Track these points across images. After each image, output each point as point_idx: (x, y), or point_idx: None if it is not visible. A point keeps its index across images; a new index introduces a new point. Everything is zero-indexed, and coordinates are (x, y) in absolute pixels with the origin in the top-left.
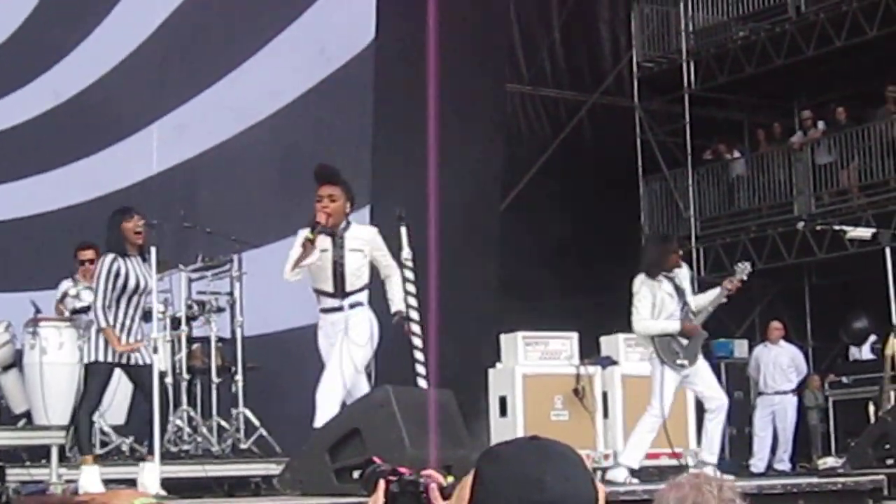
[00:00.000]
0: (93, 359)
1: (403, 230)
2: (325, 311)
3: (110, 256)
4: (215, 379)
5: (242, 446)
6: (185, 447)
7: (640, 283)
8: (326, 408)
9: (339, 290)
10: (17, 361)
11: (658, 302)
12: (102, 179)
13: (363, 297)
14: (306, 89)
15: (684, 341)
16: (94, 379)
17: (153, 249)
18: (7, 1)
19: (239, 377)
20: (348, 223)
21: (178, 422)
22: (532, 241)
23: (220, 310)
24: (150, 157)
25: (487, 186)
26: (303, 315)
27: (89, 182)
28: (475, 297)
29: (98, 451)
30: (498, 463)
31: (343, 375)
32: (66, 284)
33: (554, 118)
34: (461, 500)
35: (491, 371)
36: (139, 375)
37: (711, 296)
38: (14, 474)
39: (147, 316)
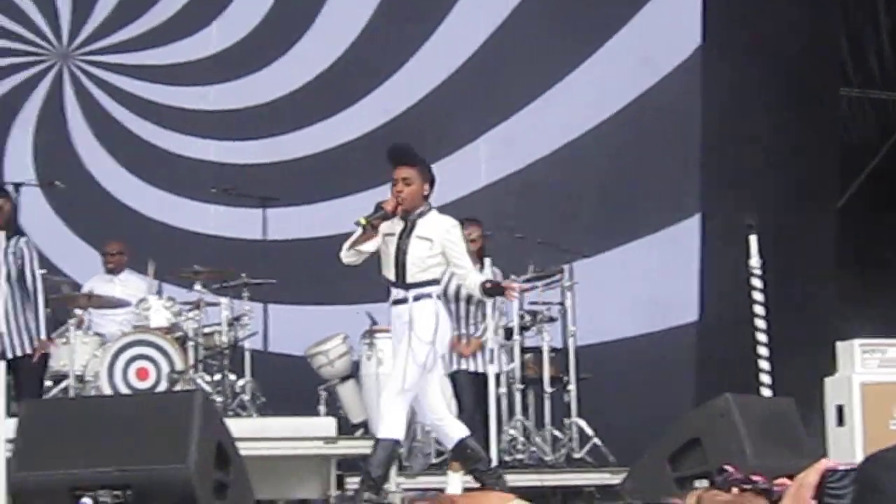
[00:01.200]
0: (453, 368)
1: (753, 238)
2: (392, 303)
3: None
4: (548, 389)
5: (576, 456)
6: (520, 456)
7: None
8: (391, 415)
9: (401, 280)
10: (354, 372)
11: None
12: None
13: (431, 290)
14: (632, 98)
15: None
16: (457, 387)
17: (487, 260)
18: (336, 22)
19: (572, 387)
20: (427, 209)
21: (513, 431)
22: (864, 247)
23: (552, 320)
24: (478, 170)
25: (821, 192)
26: (634, 325)
27: None
28: (810, 304)
29: (434, 459)
30: None
31: (405, 378)
32: None
33: (883, 120)
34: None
35: (827, 380)
36: (476, 384)
37: None
38: (353, 483)
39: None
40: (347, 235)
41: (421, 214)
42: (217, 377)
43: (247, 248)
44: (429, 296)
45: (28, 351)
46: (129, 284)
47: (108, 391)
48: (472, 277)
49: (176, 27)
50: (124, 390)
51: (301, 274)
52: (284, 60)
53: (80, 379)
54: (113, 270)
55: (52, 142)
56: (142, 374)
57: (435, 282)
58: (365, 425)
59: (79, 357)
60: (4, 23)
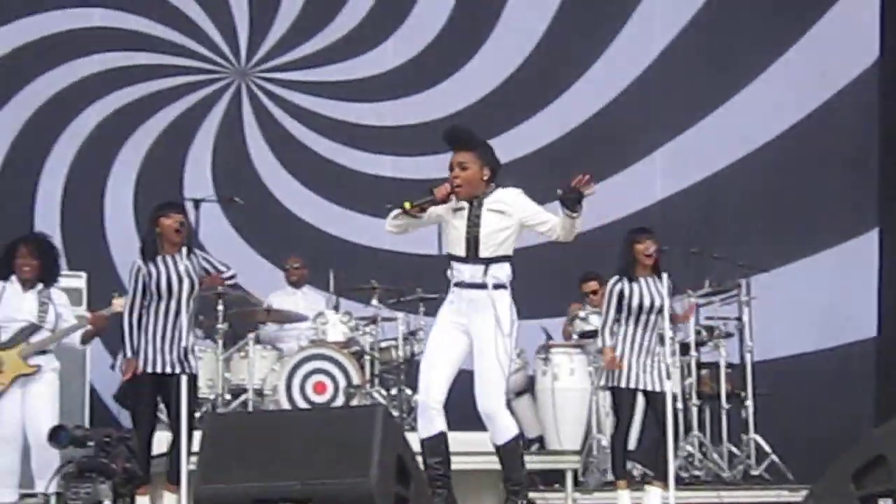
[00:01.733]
0: (613, 383)
1: None
2: (462, 285)
3: (614, 279)
4: (725, 405)
5: (753, 473)
6: (696, 473)
7: None
8: (499, 419)
9: (472, 255)
10: (529, 387)
11: None
12: (606, 208)
13: (505, 274)
14: (807, 113)
15: None
16: (620, 403)
17: (664, 275)
18: (512, 36)
19: (749, 403)
20: (491, 191)
21: (689, 448)
22: None
23: (728, 335)
24: (653, 184)
25: None
26: (812, 340)
27: (593, 210)
28: None
29: (609, 476)
30: None
31: (496, 379)
32: (574, 307)
33: None
34: None
35: None
36: (653, 400)
37: None
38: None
39: (660, 340)
40: (521, 251)
41: (486, 195)
42: (393, 391)
43: (422, 263)
44: (505, 286)
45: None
46: (309, 298)
47: (286, 405)
48: (556, 221)
49: (352, 44)
50: (302, 404)
51: None
52: (460, 75)
53: (258, 393)
54: (296, 283)
55: (230, 158)
56: (319, 388)
57: (508, 258)
58: (541, 440)
59: (257, 371)
60: (185, 42)
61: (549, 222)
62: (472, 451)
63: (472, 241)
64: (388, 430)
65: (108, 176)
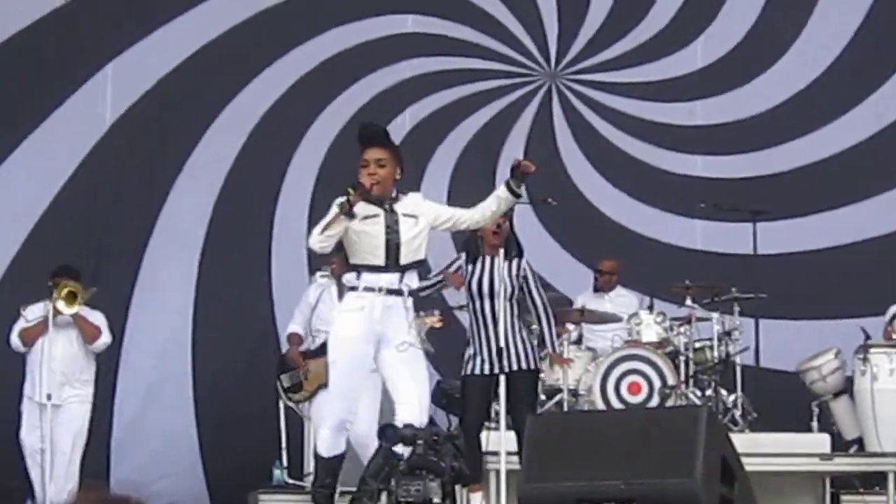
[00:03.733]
0: None
1: None
2: (375, 291)
3: None
4: None
5: None
6: None
7: None
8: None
9: (392, 263)
10: (847, 388)
11: None
12: None
13: (415, 282)
14: None
15: None
16: None
17: None
18: (824, 32)
19: None
20: (398, 193)
21: None
22: None
23: None
24: None
25: None
26: None
27: None
28: None
29: None
30: None
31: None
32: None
33: None
34: None
35: None
36: None
37: None
38: (847, 501)
39: None
40: (839, 248)
41: (395, 199)
42: (708, 392)
43: (737, 262)
44: (410, 294)
45: (524, 367)
46: (618, 301)
47: (600, 405)
48: (473, 211)
49: (661, 44)
50: (617, 405)
51: (793, 288)
52: (771, 73)
53: (573, 393)
54: (600, 290)
55: (541, 159)
56: (634, 388)
57: (421, 264)
58: (859, 441)
59: (572, 372)
60: (496, 46)
61: (456, 216)
62: (786, 453)
63: (393, 249)
64: (712, 431)
65: (421, 178)
